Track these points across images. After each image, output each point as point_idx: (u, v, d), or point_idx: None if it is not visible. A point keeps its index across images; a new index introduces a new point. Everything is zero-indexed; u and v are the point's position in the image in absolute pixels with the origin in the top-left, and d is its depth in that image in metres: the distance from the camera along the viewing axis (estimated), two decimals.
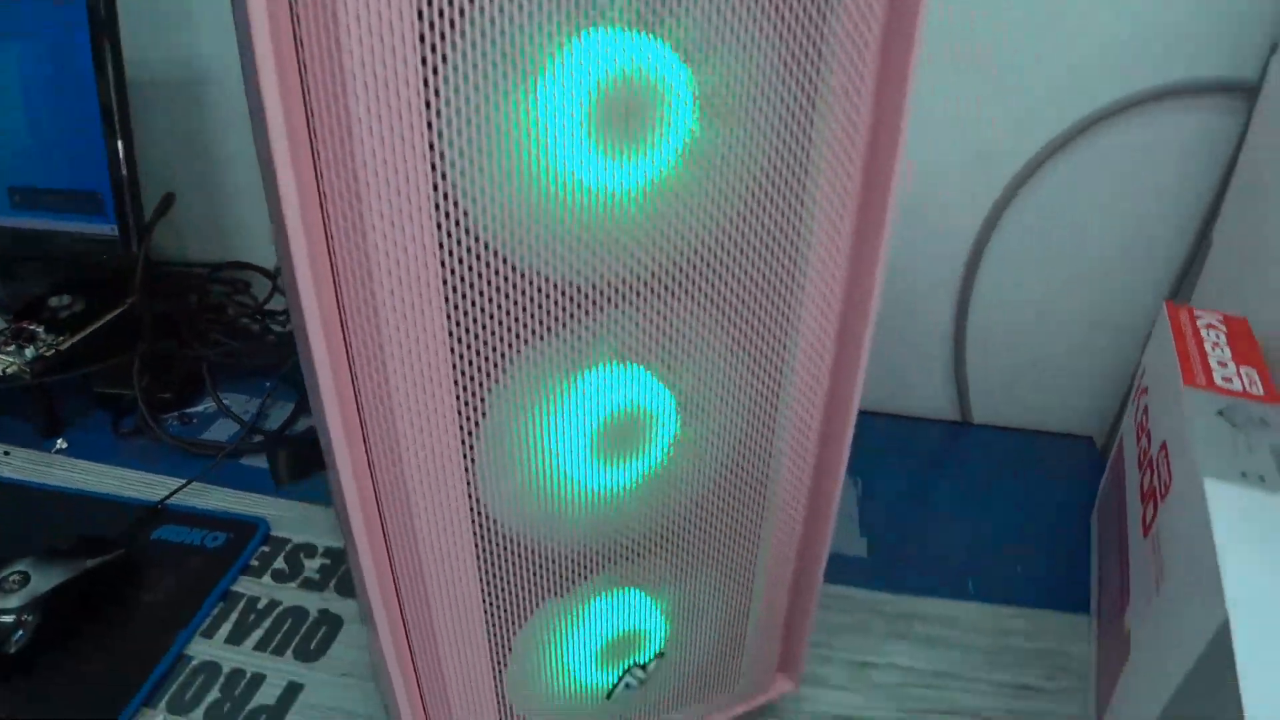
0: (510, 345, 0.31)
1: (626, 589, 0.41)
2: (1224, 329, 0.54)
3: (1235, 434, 0.45)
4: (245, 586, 0.58)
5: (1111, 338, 0.69)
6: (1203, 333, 0.53)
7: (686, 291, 0.34)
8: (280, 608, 0.57)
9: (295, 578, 0.59)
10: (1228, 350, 0.52)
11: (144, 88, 0.67)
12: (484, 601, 0.37)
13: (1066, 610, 0.58)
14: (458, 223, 0.28)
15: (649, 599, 0.43)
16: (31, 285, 0.75)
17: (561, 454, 0.35)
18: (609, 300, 0.32)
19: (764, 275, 0.35)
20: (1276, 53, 0.57)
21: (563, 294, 0.31)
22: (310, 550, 0.61)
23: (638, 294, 0.33)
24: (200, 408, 0.73)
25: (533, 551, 0.37)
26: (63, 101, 0.66)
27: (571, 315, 0.32)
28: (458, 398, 0.32)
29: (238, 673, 0.53)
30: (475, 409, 0.32)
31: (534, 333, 0.31)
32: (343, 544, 0.61)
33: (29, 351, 0.68)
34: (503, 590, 0.37)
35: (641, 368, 0.35)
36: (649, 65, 0.29)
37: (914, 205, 0.66)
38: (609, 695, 0.44)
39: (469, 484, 0.34)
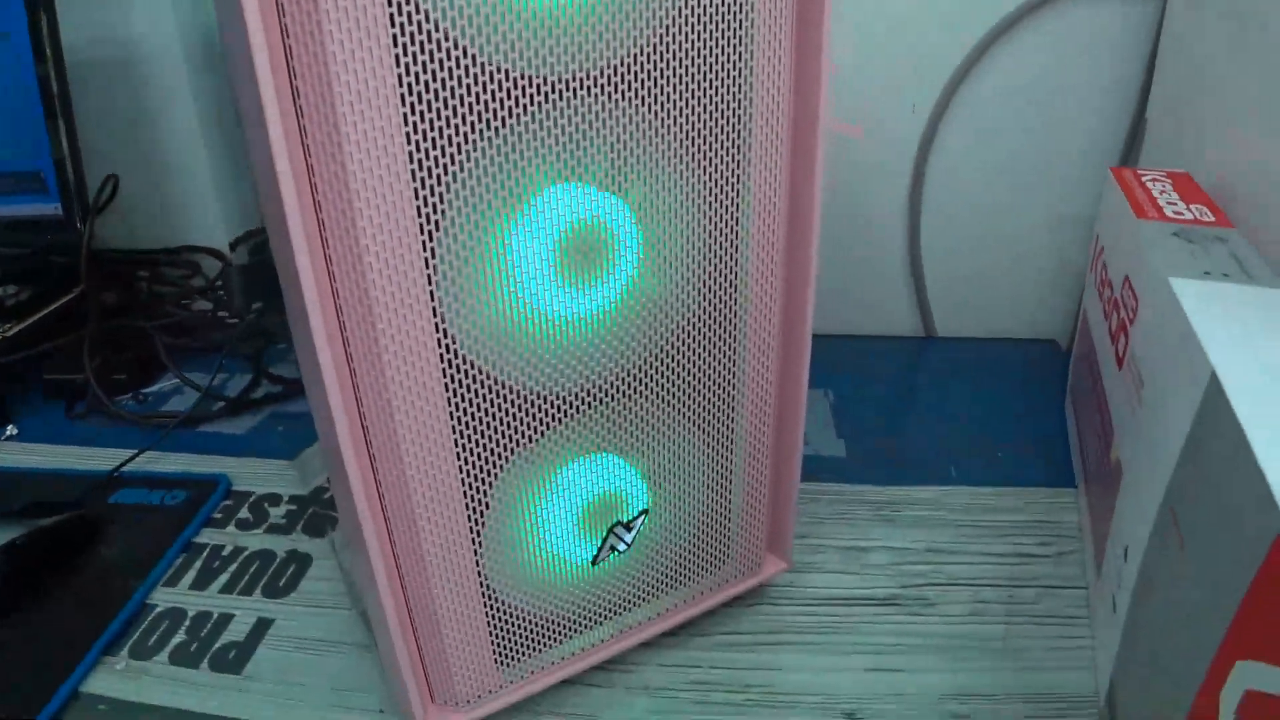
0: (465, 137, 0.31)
1: (603, 453, 0.40)
2: (1169, 181, 0.55)
3: (1193, 247, 0.46)
4: (209, 537, 0.56)
5: (1064, 237, 0.70)
6: (1149, 185, 0.54)
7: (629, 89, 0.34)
8: (246, 552, 0.54)
9: (260, 525, 0.57)
10: (1175, 194, 0.53)
11: (79, 69, 0.67)
12: (455, 443, 0.35)
13: (1053, 485, 0.58)
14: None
15: (626, 462, 0.42)
16: None
17: (523, 274, 0.35)
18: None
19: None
20: None
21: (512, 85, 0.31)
22: (275, 499, 0.59)
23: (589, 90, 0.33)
24: (156, 387, 0.71)
25: (503, 387, 0.36)
26: (2, 83, 0.66)
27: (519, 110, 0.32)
28: (421, 230, 0.31)
29: (204, 615, 0.50)
30: (438, 227, 0.31)
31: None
32: (305, 489, 0.59)
33: None
34: (474, 430, 0.36)
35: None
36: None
37: (851, 122, 0.67)
38: (594, 561, 0.42)
39: (435, 311, 0.33)
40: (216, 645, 0.48)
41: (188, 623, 0.50)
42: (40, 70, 0.64)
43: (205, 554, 0.54)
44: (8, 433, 0.66)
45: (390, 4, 0.28)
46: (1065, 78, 0.65)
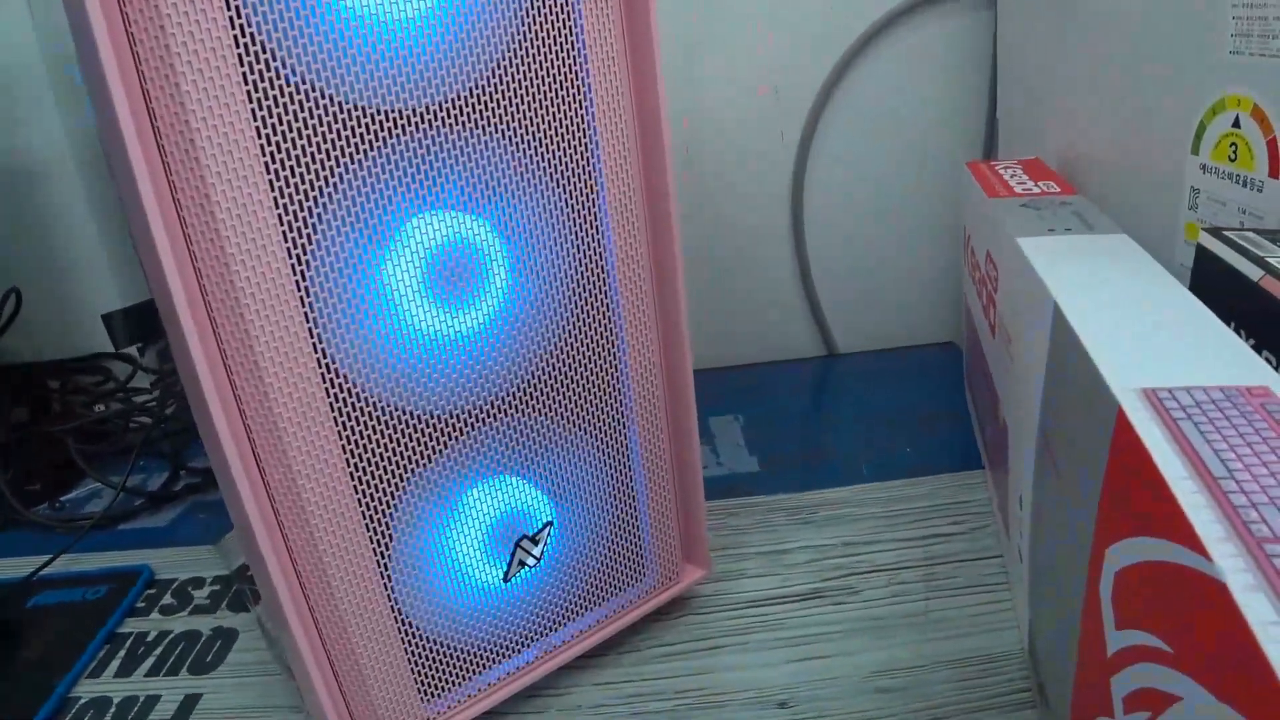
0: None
1: (502, 470, 0.41)
2: (1019, 167, 0.59)
3: (1040, 213, 0.49)
4: (133, 626, 0.55)
5: (944, 241, 0.74)
6: (1001, 173, 0.58)
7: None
8: (171, 635, 0.54)
9: (185, 608, 0.56)
10: (1025, 176, 0.56)
11: None
12: (349, 469, 0.36)
13: (959, 470, 0.59)
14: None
15: (525, 479, 0.43)
16: None
17: (396, 298, 0.36)
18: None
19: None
20: None
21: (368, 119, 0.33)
22: (198, 583, 0.58)
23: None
24: (73, 494, 0.70)
25: (390, 411, 0.37)
26: None
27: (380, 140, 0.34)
28: (295, 266, 0.33)
29: (130, 699, 0.49)
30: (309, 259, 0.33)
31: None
32: (228, 569, 0.58)
33: None
34: (366, 454, 0.37)
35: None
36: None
37: (729, 159, 0.71)
38: (505, 578, 0.42)
39: (315, 341, 0.34)
40: None
41: (113, 709, 0.48)
42: None
43: (129, 642, 0.53)
44: None
45: (241, 61, 0.30)
46: (921, 90, 0.70)
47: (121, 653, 0.53)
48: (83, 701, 0.49)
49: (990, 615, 0.47)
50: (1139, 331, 0.32)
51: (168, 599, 0.57)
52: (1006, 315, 0.47)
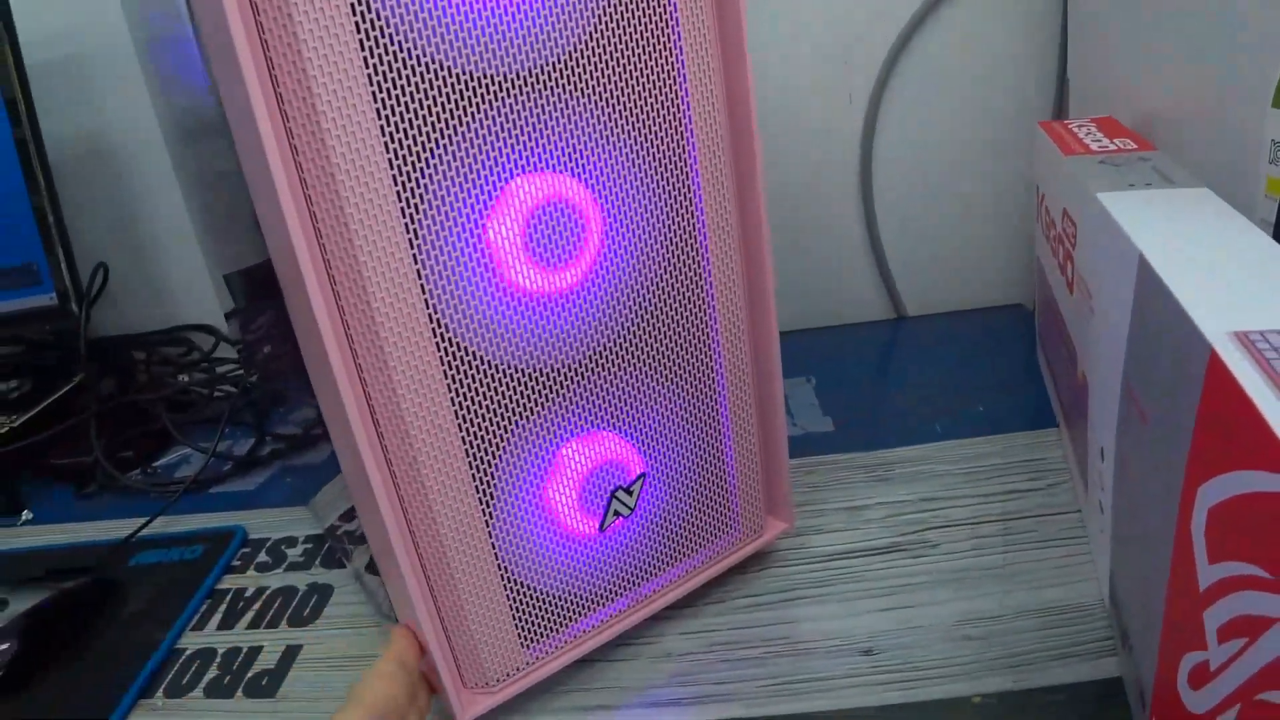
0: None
1: (597, 424, 0.43)
2: (1093, 125, 0.59)
3: (1118, 169, 0.49)
4: (231, 583, 0.57)
5: (1012, 203, 0.74)
6: (1076, 131, 0.58)
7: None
8: (268, 591, 0.56)
9: (280, 565, 0.58)
10: (1100, 134, 0.56)
11: (61, 161, 0.70)
12: (458, 424, 0.38)
13: (1035, 429, 0.60)
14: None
15: (619, 432, 0.44)
16: None
17: (500, 257, 0.37)
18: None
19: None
20: None
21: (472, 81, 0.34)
22: (291, 541, 0.60)
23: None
24: (163, 460, 0.73)
25: (492, 367, 0.39)
26: None
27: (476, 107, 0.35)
28: (407, 226, 0.34)
29: (233, 650, 0.51)
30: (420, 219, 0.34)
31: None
32: (320, 528, 0.60)
33: None
34: (473, 409, 0.38)
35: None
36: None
37: (797, 122, 0.71)
38: (601, 527, 0.44)
39: (426, 299, 0.36)
40: (249, 675, 0.49)
41: (218, 659, 0.51)
42: (25, 165, 0.68)
43: (229, 598, 0.56)
44: (24, 518, 0.68)
45: (359, 30, 0.32)
46: (990, 50, 0.70)
47: (222, 607, 0.55)
48: (189, 652, 0.52)
49: (1070, 568, 0.48)
50: (1226, 279, 0.33)
51: (263, 557, 0.59)
52: (1086, 271, 0.47)
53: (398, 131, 0.33)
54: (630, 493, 0.44)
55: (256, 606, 0.55)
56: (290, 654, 0.50)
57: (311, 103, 0.31)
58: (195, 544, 0.60)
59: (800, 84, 0.71)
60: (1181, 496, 0.31)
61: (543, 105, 0.37)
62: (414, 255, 0.35)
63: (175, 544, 0.61)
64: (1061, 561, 0.48)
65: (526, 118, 0.36)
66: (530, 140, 0.37)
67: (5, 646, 0.51)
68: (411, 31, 0.33)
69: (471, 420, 0.38)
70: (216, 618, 0.54)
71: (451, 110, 0.34)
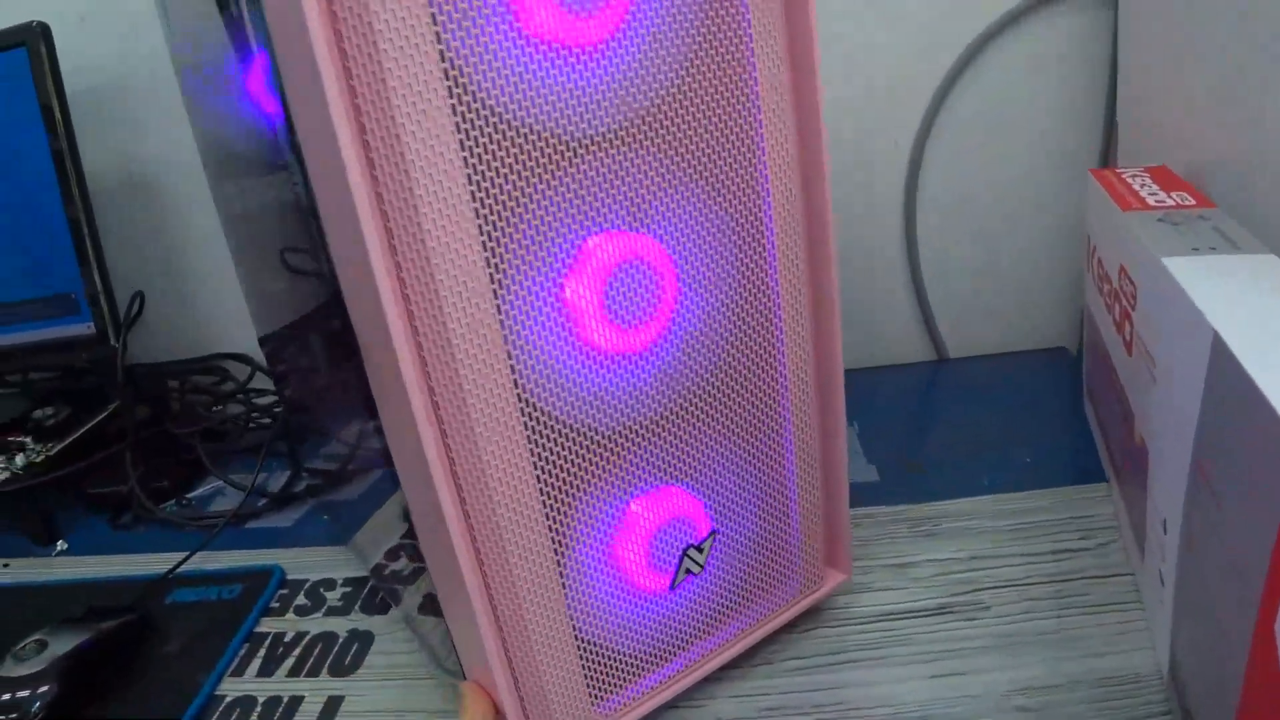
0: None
1: (667, 481, 0.42)
2: (1147, 175, 0.58)
3: (1177, 229, 0.48)
4: (269, 626, 0.57)
5: (1055, 245, 0.73)
6: (1129, 181, 0.57)
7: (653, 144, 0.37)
8: (308, 636, 0.55)
9: (319, 608, 0.58)
10: (1155, 185, 0.55)
11: (96, 193, 0.70)
12: (538, 483, 0.38)
13: (1082, 483, 0.59)
14: None
15: (689, 488, 0.43)
16: (11, 408, 0.75)
17: (576, 317, 0.37)
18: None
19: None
20: None
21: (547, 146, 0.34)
22: (329, 584, 0.60)
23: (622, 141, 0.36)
24: (197, 492, 0.73)
25: (567, 427, 0.38)
26: (27, 211, 0.69)
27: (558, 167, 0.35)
28: (491, 280, 0.34)
29: (274, 699, 0.51)
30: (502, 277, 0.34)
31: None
32: (365, 568, 0.60)
33: (19, 459, 0.68)
34: (547, 468, 0.38)
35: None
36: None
37: (841, 166, 0.70)
38: (672, 585, 0.43)
39: (511, 368, 0.35)
40: None
41: (259, 709, 0.50)
42: (65, 195, 0.68)
43: (268, 642, 0.55)
44: (58, 548, 0.68)
45: (451, 94, 0.31)
46: (1035, 93, 0.69)
47: (261, 652, 0.55)
48: (229, 699, 0.51)
49: (1126, 635, 0.47)
50: None
51: (301, 599, 0.59)
52: (1148, 336, 0.47)
53: (482, 192, 0.33)
54: (701, 550, 0.44)
55: (296, 653, 0.54)
56: (332, 706, 0.50)
57: (405, 168, 0.31)
58: (233, 583, 0.60)
59: (847, 127, 0.70)
60: (1263, 596, 0.31)
61: (620, 164, 0.36)
62: (500, 318, 0.34)
63: (212, 582, 0.60)
64: (1116, 628, 0.48)
65: (605, 176, 0.36)
66: (608, 199, 0.36)
67: (45, 689, 0.50)
68: (501, 93, 0.32)
69: (549, 479, 0.38)
70: (256, 663, 0.54)
71: (533, 169, 0.34)
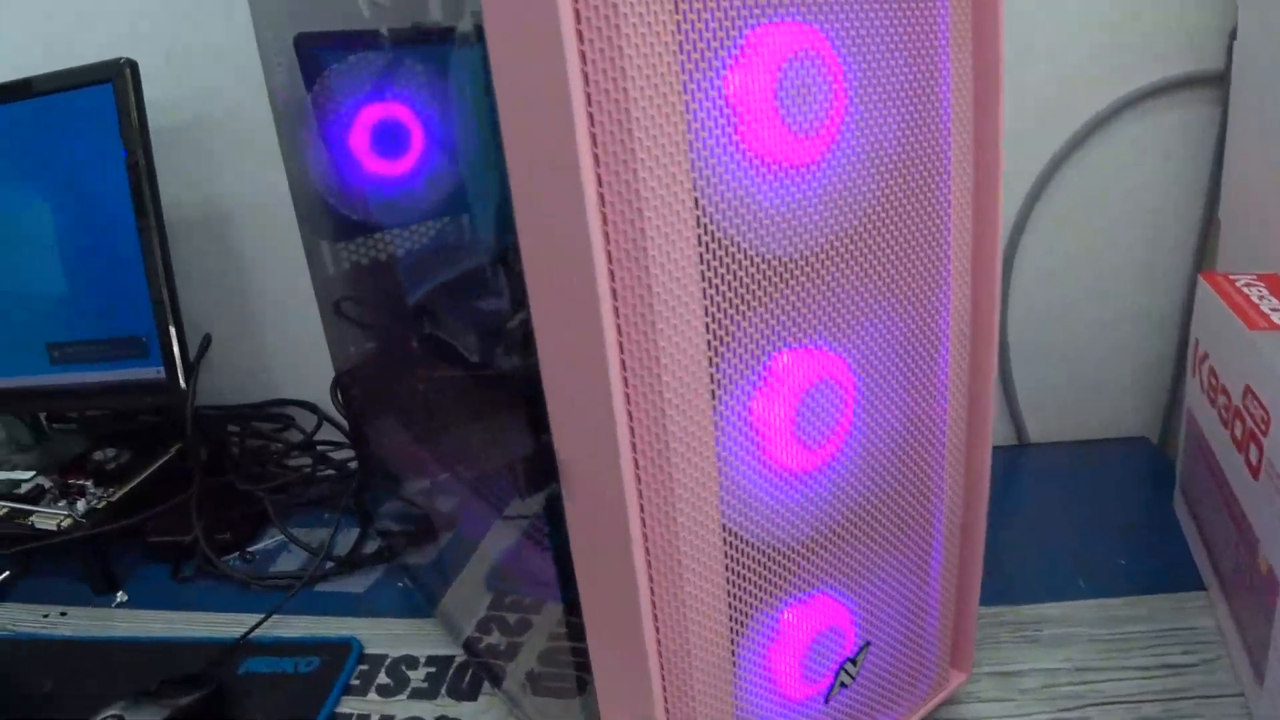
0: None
1: (825, 587, 0.41)
2: (1263, 285, 0.57)
3: None
4: (351, 706, 0.55)
5: (1145, 335, 0.73)
6: (1245, 290, 0.56)
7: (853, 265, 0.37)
8: None
9: (403, 690, 0.56)
10: (1274, 299, 0.55)
11: (171, 226, 0.68)
12: (728, 599, 0.37)
13: (1180, 590, 0.58)
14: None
15: (845, 595, 0.43)
16: (71, 445, 0.73)
17: (764, 433, 0.36)
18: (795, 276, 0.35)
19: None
20: (1236, 40, 0.64)
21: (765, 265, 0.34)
22: (411, 662, 0.58)
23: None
24: (260, 545, 0.71)
25: (753, 546, 0.37)
26: (101, 250, 0.67)
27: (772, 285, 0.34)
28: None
29: None
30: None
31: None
32: (455, 642, 0.58)
33: (80, 505, 0.66)
34: (732, 581, 0.37)
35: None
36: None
37: None
38: (826, 699, 0.42)
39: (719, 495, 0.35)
40: None
41: None
42: (142, 236, 0.66)
43: None
44: (118, 599, 0.66)
45: (699, 224, 0.31)
46: (1136, 182, 0.69)
47: None
48: None
49: None
50: None
51: (383, 678, 0.57)
52: None
53: (711, 309, 0.32)
54: (855, 664, 0.43)
55: None
56: None
57: (650, 302, 0.30)
58: (309, 655, 0.58)
59: None
60: None
61: (826, 282, 0.36)
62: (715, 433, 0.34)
63: (287, 652, 0.58)
64: None
65: (810, 294, 0.35)
66: (811, 317, 0.36)
67: None
68: (728, 212, 0.32)
69: (734, 591, 0.37)
70: None
71: (750, 288, 0.34)
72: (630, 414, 0.32)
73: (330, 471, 0.75)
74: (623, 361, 0.31)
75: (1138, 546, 0.63)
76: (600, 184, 0.29)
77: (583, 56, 0.28)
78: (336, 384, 0.66)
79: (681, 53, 0.29)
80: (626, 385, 0.32)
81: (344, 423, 0.72)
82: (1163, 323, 0.73)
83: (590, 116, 0.28)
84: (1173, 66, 0.66)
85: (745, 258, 0.33)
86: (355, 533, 0.70)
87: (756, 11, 0.31)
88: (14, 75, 0.68)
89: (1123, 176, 0.69)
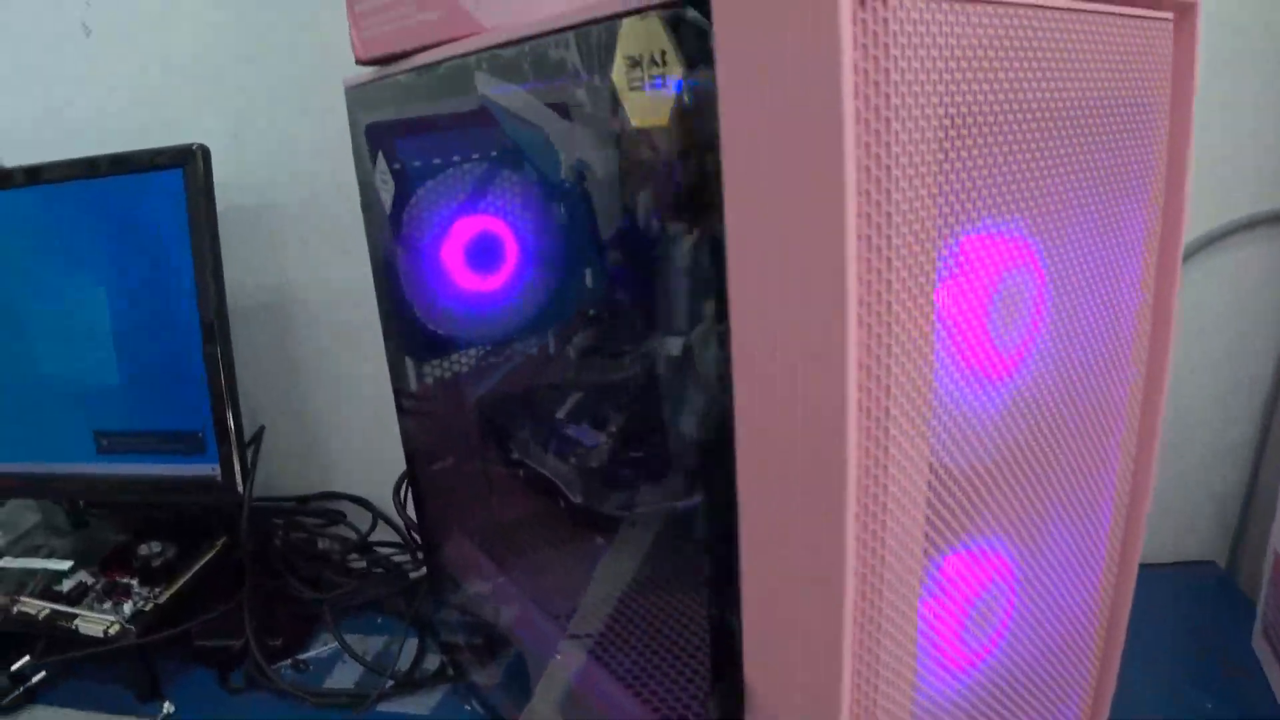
0: None
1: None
2: None
3: None
4: None
5: (1214, 461, 0.72)
6: None
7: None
8: None
9: None
10: None
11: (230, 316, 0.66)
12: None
13: None
14: None
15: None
16: (108, 532, 0.70)
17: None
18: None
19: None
20: None
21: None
22: None
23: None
24: (313, 652, 0.68)
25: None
26: (158, 337, 0.65)
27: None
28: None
29: None
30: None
31: None
32: None
33: (126, 608, 0.63)
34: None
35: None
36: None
37: None
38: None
39: None
40: None
41: None
42: (204, 327, 0.63)
43: None
44: (165, 711, 0.62)
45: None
46: (1219, 315, 0.68)
47: None
48: None
49: None
50: None
51: None
52: None
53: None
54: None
55: None
56: None
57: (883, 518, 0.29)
58: None
59: None
60: None
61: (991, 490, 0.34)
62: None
63: None
64: None
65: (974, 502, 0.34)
66: (973, 524, 0.34)
67: None
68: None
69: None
70: None
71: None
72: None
73: (380, 570, 0.72)
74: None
75: (1219, 685, 0.61)
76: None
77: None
78: (402, 485, 0.63)
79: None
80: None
81: (400, 523, 0.70)
82: (1231, 450, 0.73)
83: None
84: (1261, 203, 0.66)
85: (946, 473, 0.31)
86: (413, 643, 0.67)
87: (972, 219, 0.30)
88: (76, 153, 0.66)
89: (1200, 311, 0.68)
